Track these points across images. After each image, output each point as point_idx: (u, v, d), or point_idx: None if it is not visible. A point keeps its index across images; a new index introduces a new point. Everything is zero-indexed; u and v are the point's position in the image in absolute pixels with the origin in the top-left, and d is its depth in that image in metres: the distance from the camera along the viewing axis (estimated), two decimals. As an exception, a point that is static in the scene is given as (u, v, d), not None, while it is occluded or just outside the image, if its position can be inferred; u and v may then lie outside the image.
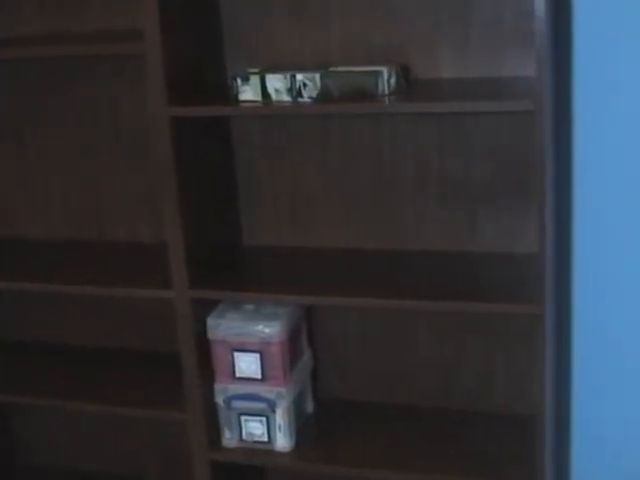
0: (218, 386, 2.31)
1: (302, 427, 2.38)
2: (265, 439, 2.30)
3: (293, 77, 2.02)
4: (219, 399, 2.31)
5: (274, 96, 2.05)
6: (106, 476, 2.85)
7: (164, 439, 2.74)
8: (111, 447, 2.83)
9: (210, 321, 2.28)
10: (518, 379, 2.36)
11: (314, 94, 2.01)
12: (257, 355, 2.25)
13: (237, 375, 2.28)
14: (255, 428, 2.30)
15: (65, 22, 2.44)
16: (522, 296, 2.00)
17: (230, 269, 2.34)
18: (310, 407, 2.47)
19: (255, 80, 2.05)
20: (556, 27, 2.08)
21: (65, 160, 2.58)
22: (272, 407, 2.27)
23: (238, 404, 2.29)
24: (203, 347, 2.28)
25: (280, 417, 2.27)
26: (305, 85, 2.01)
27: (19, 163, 2.63)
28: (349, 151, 2.33)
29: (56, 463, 2.91)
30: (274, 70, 2.10)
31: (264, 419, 2.28)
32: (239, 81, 2.06)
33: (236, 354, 2.27)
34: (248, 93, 2.06)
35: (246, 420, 2.30)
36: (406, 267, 2.25)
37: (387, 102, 1.97)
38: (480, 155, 2.23)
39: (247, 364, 2.26)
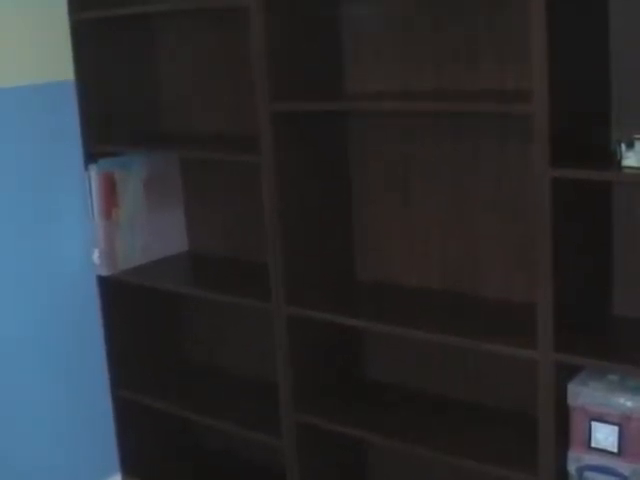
0: (572, 454, 2.26)
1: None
2: (615, 516, 2.22)
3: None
4: (571, 467, 2.27)
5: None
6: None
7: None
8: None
9: (571, 387, 2.25)
10: None
11: None
12: (616, 428, 2.18)
13: (592, 445, 2.22)
14: (606, 503, 2.23)
15: (456, 80, 2.57)
16: None
17: (598, 336, 2.29)
18: (669, 494, 2.34)
19: (640, 147, 2.02)
20: None
21: (443, 212, 2.69)
22: (626, 484, 2.19)
23: (590, 475, 2.23)
24: (561, 412, 2.25)
25: (634, 496, 2.19)
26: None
27: (403, 212, 2.78)
28: None
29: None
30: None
31: (616, 495, 2.21)
32: (623, 146, 2.03)
33: (594, 424, 2.22)
34: (631, 159, 2.02)
35: (598, 493, 2.24)
36: None
37: None
38: None
39: (604, 436, 2.20)
